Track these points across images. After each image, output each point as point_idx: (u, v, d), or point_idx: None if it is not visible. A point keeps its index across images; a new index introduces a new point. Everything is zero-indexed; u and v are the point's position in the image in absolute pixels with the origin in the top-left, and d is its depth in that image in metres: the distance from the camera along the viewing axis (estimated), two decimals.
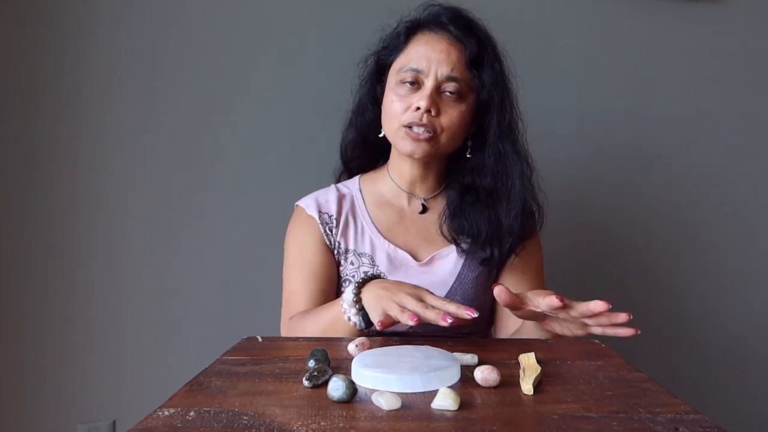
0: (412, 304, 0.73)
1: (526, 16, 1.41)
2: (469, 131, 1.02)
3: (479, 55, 0.98)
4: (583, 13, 1.43)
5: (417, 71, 0.96)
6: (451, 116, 0.96)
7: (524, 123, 1.04)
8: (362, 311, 0.80)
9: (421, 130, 0.95)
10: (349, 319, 0.81)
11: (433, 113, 0.95)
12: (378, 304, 0.77)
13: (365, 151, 1.11)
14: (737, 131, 1.48)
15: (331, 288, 1.01)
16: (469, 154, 1.03)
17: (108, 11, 1.27)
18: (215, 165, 1.33)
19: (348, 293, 0.82)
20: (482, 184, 1.02)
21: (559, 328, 0.80)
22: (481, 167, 1.02)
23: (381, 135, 1.04)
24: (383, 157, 1.10)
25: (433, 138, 0.96)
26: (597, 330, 0.76)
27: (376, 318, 0.77)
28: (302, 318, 0.93)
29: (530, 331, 0.88)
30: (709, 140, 1.47)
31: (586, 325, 0.76)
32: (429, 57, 0.96)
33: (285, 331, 0.98)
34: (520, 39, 1.41)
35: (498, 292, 0.74)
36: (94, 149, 1.28)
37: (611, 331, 0.75)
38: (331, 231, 1.03)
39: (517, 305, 0.76)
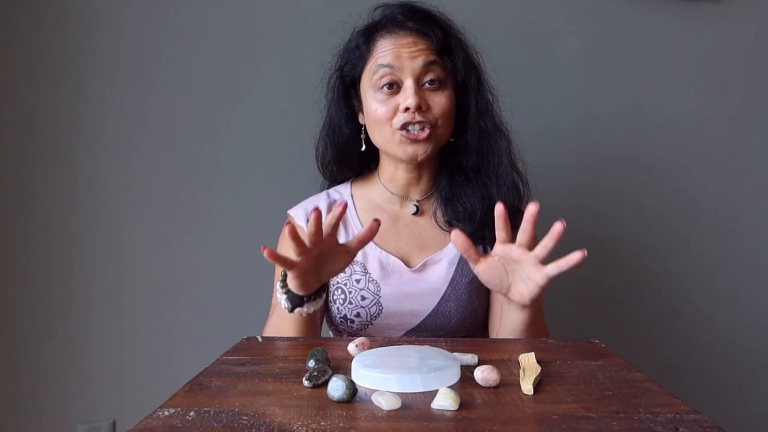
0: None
1: (527, 17, 1.41)
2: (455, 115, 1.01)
3: (446, 41, 0.97)
4: (584, 14, 1.43)
5: (390, 67, 0.94)
6: (441, 104, 0.95)
7: (495, 95, 1.03)
8: (288, 293, 0.82)
9: (417, 128, 0.93)
10: (281, 305, 0.83)
11: (423, 109, 0.93)
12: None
13: (349, 164, 1.09)
14: (737, 132, 1.48)
15: None
16: (452, 137, 1.02)
17: (108, 11, 1.27)
18: (215, 166, 1.33)
19: (278, 283, 0.84)
20: (469, 164, 1.01)
21: (523, 286, 0.79)
22: (465, 148, 1.01)
23: (363, 149, 1.03)
24: (368, 165, 1.09)
25: (431, 133, 0.95)
26: (552, 269, 0.75)
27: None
28: (267, 322, 0.96)
29: (507, 316, 0.86)
30: (708, 140, 1.47)
31: (541, 266, 0.77)
32: (398, 54, 0.94)
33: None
34: (520, 39, 1.42)
35: (455, 236, 0.77)
36: (93, 150, 1.28)
37: (563, 263, 0.75)
38: None
39: (472, 253, 0.79)
